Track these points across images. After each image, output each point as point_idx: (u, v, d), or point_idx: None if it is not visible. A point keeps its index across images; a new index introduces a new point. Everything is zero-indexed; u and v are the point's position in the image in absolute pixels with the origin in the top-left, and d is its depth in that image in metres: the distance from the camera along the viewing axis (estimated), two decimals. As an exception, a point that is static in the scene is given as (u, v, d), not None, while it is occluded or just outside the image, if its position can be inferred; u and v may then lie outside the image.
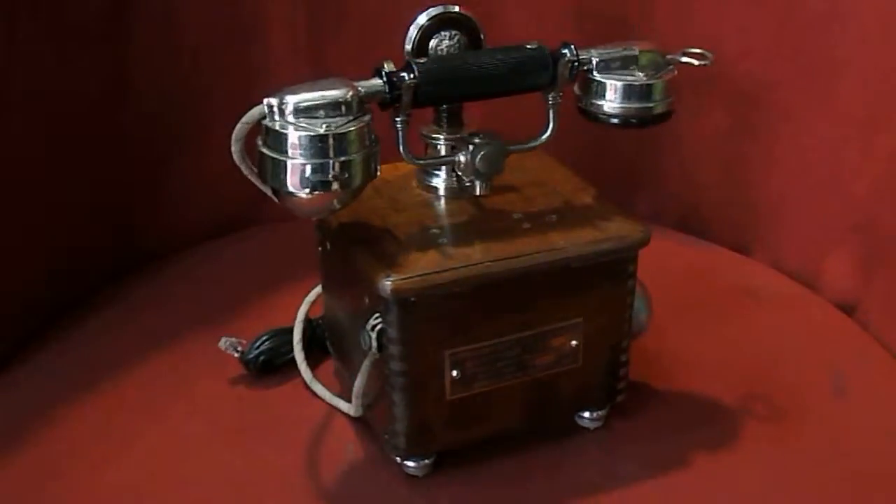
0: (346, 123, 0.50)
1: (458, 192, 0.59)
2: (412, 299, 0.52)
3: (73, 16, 0.72)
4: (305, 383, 0.64)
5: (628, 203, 0.89)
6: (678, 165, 0.86)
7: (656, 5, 0.81)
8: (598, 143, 0.83)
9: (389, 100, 0.53)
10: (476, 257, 0.53)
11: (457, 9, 0.56)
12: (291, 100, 0.50)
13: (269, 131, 0.50)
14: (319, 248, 0.62)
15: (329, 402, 0.63)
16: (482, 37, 0.57)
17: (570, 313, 0.57)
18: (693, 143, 0.84)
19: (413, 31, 0.56)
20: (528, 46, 0.56)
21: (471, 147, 0.56)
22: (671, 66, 0.57)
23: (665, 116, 0.58)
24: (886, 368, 0.68)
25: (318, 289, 0.66)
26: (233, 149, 0.54)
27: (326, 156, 0.49)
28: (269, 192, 0.53)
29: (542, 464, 0.59)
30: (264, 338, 0.66)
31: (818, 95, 0.75)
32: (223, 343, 0.65)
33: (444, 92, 0.55)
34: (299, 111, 0.50)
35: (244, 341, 0.66)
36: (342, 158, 0.49)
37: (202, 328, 0.72)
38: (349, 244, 0.56)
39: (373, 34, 0.84)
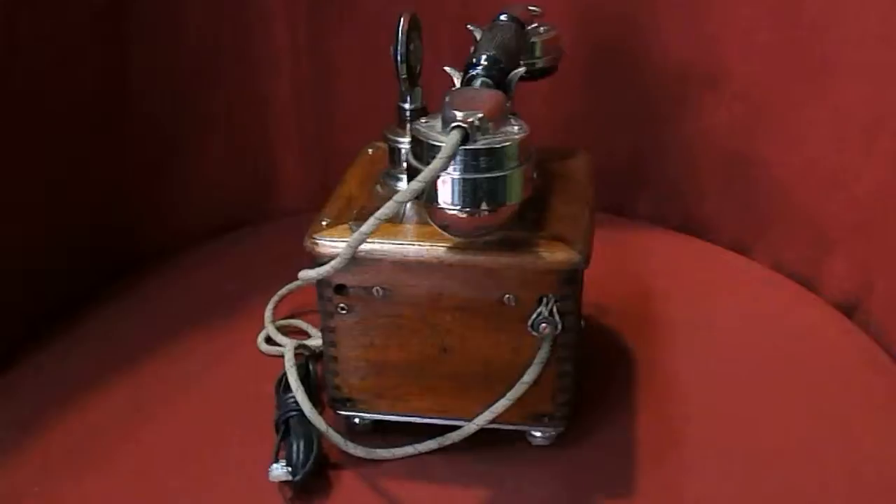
0: (518, 132, 0.49)
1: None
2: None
3: (73, 16, 0.72)
4: (363, 458, 0.59)
5: (629, 203, 0.89)
6: (679, 166, 0.86)
7: (660, 6, 0.81)
8: (599, 144, 0.83)
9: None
10: (577, 209, 0.56)
11: None
12: (481, 115, 0.47)
13: (423, 144, 0.48)
14: (341, 309, 0.57)
15: (421, 450, 0.59)
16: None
17: None
18: (694, 144, 0.84)
19: (402, 24, 0.56)
20: (503, 19, 0.58)
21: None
22: (545, 25, 0.64)
23: (548, 71, 0.64)
24: (886, 370, 0.68)
25: (294, 371, 0.61)
26: (408, 195, 0.48)
27: (500, 169, 0.48)
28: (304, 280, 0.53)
29: (598, 402, 0.64)
30: (297, 446, 0.57)
31: (819, 96, 0.75)
32: (277, 473, 0.55)
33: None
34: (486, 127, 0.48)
35: (283, 462, 0.56)
36: (502, 173, 0.49)
37: (202, 328, 0.72)
38: (461, 259, 0.54)
39: (373, 32, 0.84)
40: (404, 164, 0.57)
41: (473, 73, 0.53)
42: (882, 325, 0.71)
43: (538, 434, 0.59)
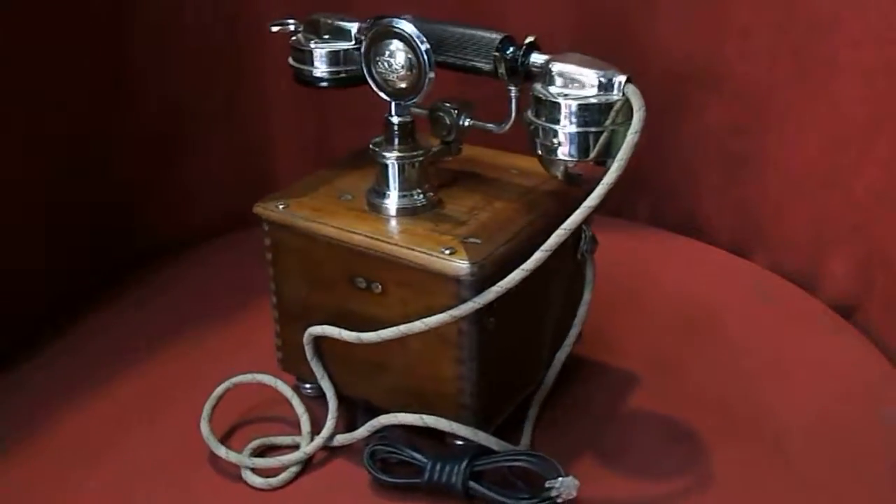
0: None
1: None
2: None
3: (74, 16, 0.72)
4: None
5: (629, 204, 0.89)
6: (678, 166, 0.86)
7: (659, 6, 0.81)
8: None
9: None
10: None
11: None
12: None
13: (543, 102, 0.51)
14: (490, 323, 0.54)
15: (532, 416, 0.60)
16: None
17: None
18: (693, 144, 0.84)
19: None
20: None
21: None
22: None
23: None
24: (885, 370, 0.68)
25: (464, 428, 0.56)
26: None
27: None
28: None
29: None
30: (540, 466, 0.53)
31: (818, 96, 0.75)
32: (573, 483, 0.52)
33: None
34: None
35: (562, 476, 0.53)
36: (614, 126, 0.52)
37: (204, 327, 0.72)
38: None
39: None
40: (391, 179, 0.57)
41: (521, 52, 0.53)
42: (881, 325, 0.71)
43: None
